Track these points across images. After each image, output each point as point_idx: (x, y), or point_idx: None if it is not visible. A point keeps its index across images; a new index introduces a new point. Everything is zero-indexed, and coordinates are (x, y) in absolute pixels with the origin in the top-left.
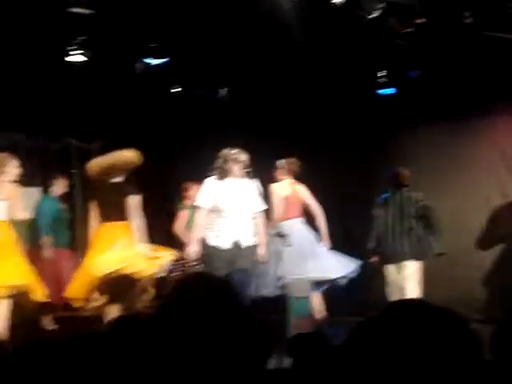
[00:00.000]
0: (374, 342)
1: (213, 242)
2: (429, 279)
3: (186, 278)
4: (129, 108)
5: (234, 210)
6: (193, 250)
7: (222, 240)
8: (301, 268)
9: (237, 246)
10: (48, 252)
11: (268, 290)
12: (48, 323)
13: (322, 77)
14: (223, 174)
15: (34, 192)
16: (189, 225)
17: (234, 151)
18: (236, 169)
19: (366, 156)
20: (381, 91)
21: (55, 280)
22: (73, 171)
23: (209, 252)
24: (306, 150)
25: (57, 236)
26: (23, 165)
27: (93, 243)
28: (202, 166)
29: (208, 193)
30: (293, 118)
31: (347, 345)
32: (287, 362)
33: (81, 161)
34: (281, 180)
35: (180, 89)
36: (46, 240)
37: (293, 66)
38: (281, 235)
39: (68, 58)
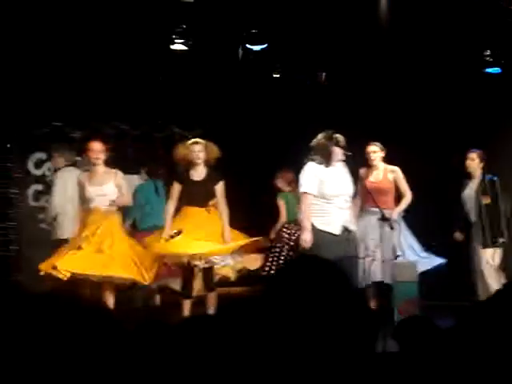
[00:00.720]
0: (485, 325)
1: (324, 228)
2: None
3: (292, 260)
4: (230, 95)
5: (340, 194)
6: (308, 237)
7: (333, 226)
8: (405, 252)
9: (346, 231)
10: None
11: (376, 276)
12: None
13: (422, 57)
14: (327, 158)
15: (138, 180)
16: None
17: (337, 135)
18: (339, 153)
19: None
20: (488, 70)
21: None
22: None
23: (319, 238)
24: (404, 134)
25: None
26: (129, 153)
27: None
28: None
29: (312, 178)
30: (392, 100)
31: (458, 328)
32: (393, 345)
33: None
34: (376, 166)
35: (280, 74)
36: None
37: (397, 45)
38: (387, 219)
39: (172, 47)
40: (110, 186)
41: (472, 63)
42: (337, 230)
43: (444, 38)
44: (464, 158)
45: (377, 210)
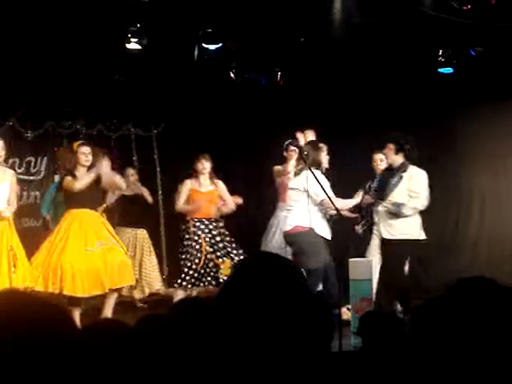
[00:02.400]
0: (439, 319)
1: (321, 233)
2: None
3: (247, 258)
4: (186, 94)
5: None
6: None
7: (326, 232)
8: None
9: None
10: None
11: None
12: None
13: (379, 57)
14: (319, 166)
15: None
16: None
17: (322, 144)
18: (326, 161)
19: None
20: (441, 70)
21: None
22: (134, 158)
23: (317, 241)
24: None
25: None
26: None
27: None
28: (259, 152)
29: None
30: (349, 99)
31: (413, 324)
32: (349, 343)
33: (141, 148)
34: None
35: (236, 74)
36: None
37: (351, 47)
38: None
39: (128, 46)
40: (6, 186)
41: (426, 63)
42: (328, 236)
43: (398, 39)
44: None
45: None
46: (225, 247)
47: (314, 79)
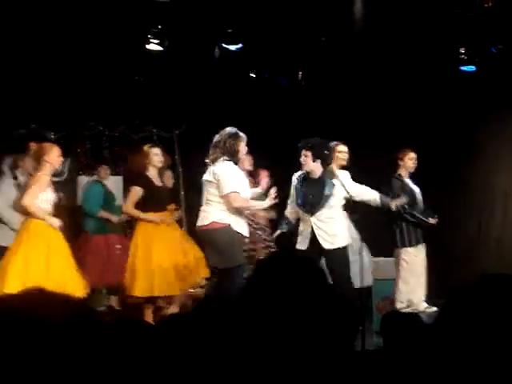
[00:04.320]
0: (466, 317)
1: (239, 230)
2: None
3: (270, 257)
4: (207, 95)
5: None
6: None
7: (244, 229)
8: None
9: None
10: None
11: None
12: (116, 304)
13: (402, 56)
14: (236, 158)
15: (119, 181)
16: None
17: (242, 133)
18: (244, 152)
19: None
20: (464, 68)
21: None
22: None
23: (236, 237)
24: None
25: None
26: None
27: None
28: (282, 152)
29: (238, 178)
30: (370, 98)
31: (439, 322)
32: (371, 343)
33: (162, 149)
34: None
35: (256, 74)
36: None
37: (372, 46)
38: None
39: (147, 46)
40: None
41: (447, 61)
42: (246, 233)
43: (419, 37)
44: (401, 157)
45: None
46: None
47: (336, 79)
